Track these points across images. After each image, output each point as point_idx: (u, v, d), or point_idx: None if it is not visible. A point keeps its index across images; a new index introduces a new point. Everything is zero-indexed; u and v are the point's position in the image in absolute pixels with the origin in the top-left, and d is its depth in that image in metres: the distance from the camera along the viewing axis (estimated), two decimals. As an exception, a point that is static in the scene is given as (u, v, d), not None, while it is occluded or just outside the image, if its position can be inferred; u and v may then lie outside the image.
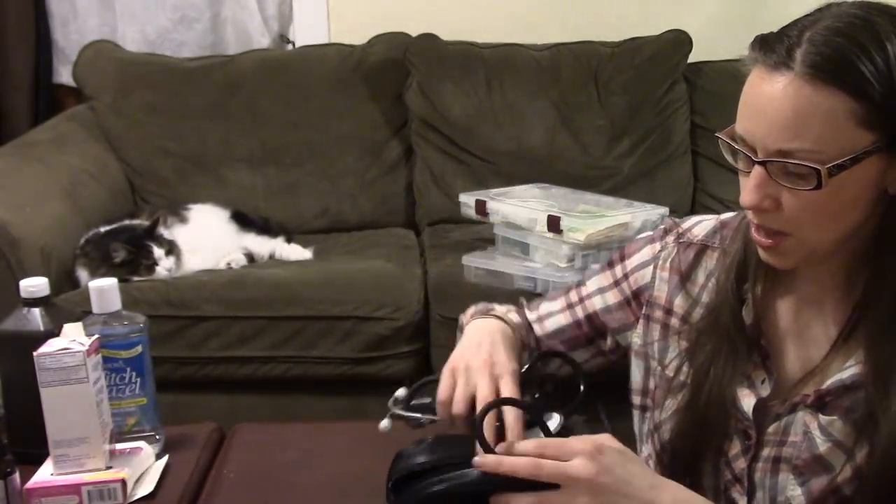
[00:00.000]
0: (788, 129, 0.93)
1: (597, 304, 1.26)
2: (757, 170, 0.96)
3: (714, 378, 1.08)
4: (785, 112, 0.93)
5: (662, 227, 1.23)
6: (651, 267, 1.20)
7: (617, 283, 1.24)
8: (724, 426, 1.08)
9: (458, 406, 1.10)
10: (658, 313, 1.19)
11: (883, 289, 1.00)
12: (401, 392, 1.15)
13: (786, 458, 1.04)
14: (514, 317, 1.31)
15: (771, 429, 1.05)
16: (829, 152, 0.92)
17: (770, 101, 0.94)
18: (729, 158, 1.02)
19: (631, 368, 1.23)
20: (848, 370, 1.01)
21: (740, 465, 1.07)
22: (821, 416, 1.02)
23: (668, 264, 1.18)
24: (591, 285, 1.27)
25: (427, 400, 1.14)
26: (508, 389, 1.09)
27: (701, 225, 1.19)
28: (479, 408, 1.06)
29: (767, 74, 0.95)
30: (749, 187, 0.96)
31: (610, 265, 1.26)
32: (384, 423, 1.14)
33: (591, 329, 1.26)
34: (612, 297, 1.25)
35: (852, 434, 1.00)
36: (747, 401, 1.06)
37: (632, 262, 1.23)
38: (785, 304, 1.09)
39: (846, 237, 0.99)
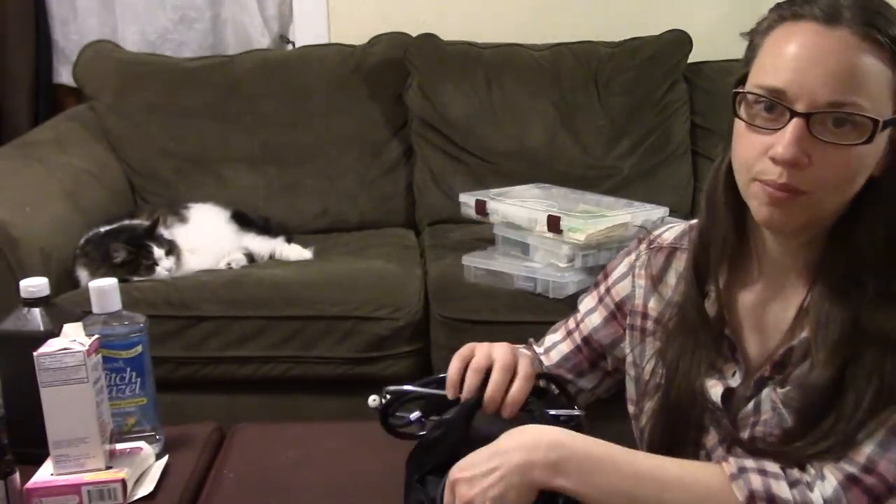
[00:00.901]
0: (847, 83, 0.93)
1: (589, 325, 1.28)
2: (797, 123, 0.95)
3: (682, 372, 1.09)
4: (845, 65, 0.93)
5: (637, 238, 1.25)
6: (629, 277, 1.22)
7: (601, 300, 1.26)
8: (697, 419, 1.09)
9: (479, 362, 1.12)
10: (639, 321, 1.20)
11: (836, 263, 1.01)
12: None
13: (759, 438, 1.05)
14: (524, 350, 1.32)
15: (743, 412, 1.07)
16: (874, 111, 0.94)
17: (828, 53, 0.94)
18: (743, 115, 1.00)
19: (626, 380, 1.24)
20: (799, 337, 1.03)
21: (720, 454, 1.08)
22: (778, 390, 1.03)
23: (642, 271, 1.20)
24: (583, 308, 1.30)
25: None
26: (524, 367, 1.13)
27: (671, 230, 1.21)
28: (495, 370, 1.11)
29: (819, 27, 0.95)
30: (788, 141, 0.94)
31: (596, 285, 1.29)
32: (373, 399, 1.16)
33: (591, 352, 1.28)
34: (598, 316, 1.27)
35: (800, 395, 1.01)
36: (715, 390, 1.08)
37: (612, 277, 1.25)
38: (748, 293, 1.10)
39: (841, 209, 1.00)
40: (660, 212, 2.33)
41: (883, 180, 0.99)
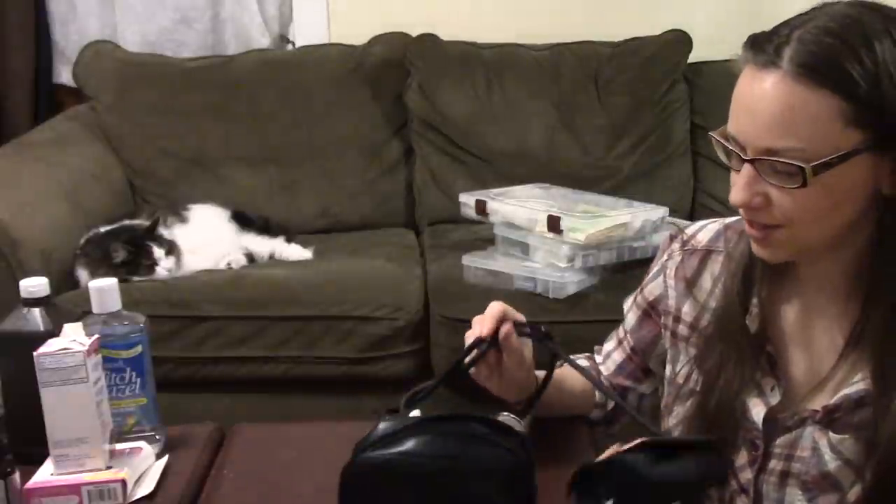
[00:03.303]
0: (776, 128, 0.93)
1: (628, 327, 1.26)
2: (746, 168, 0.96)
3: (722, 387, 1.07)
4: (773, 110, 0.93)
5: (668, 234, 1.23)
6: (661, 277, 1.20)
7: (635, 300, 1.25)
8: (732, 435, 1.07)
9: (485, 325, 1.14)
10: (671, 322, 1.19)
11: (882, 296, 0.99)
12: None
13: (794, 474, 1.04)
14: (580, 362, 1.31)
15: (779, 441, 1.05)
16: (817, 151, 0.93)
17: (759, 99, 0.94)
18: (722, 157, 1.02)
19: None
20: (855, 385, 1.00)
21: (746, 475, 1.07)
22: (831, 434, 1.01)
23: (674, 272, 1.18)
24: (625, 311, 1.28)
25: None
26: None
27: (706, 230, 1.19)
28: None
29: (757, 73, 0.95)
30: (739, 185, 0.97)
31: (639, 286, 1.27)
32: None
33: (641, 358, 1.26)
34: (633, 316, 1.25)
35: (862, 452, 0.99)
36: (757, 410, 1.06)
37: (647, 277, 1.24)
38: (791, 311, 1.08)
39: (839, 235, 0.99)
40: (660, 212, 2.33)
41: None
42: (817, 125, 0.93)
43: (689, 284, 1.16)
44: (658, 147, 2.88)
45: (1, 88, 3.06)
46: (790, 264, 1.07)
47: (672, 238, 1.21)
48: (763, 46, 0.96)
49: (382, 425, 1.03)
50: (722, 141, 1.00)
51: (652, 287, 1.22)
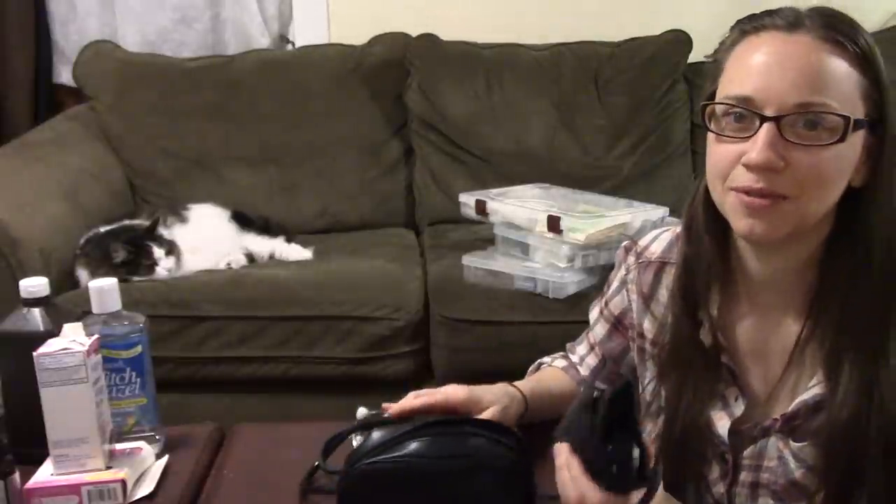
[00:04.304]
0: (814, 83, 0.94)
1: (597, 337, 1.27)
2: (767, 128, 0.94)
3: (685, 409, 1.06)
4: (809, 67, 0.94)
5: (623, 245, 1.21)
6: (623, 292, 1.20)
7: (602, 312, 1.25)
8: (702, 452, 1.07)
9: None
10: (636, 338, 1.18)
11: (831, 294, 0.99)
12: None
13: (763, 484, 1.04)
14: (559, 362, 1.33)
15: (746, 453, 1.05)
16: (844, 110, 0.94)
17: (793, 56, 0.95)
18: (711, 127, 1.00)
19: None
20: (811, 390, 1.00)
21: (719, 489, 1.07)
22: (792, 443, 1.01)
23: (633, 286, 1.18)
24: (591, 320, 1.28)
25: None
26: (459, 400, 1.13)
27: (658, 240, 1.18)
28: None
29: (781, 34, 0.96)
30: (760, 146, 0.94)
31: (601, 295, 1.26)
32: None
33: (615, 365, 1.26)
34: (602, 328, 1.25)
35: (821, 457, 0.99)
36: (722, 423, 1.06)
37: (609, 291, 1.23)
38: (745, 318, 1.07)
39: (822, 220, 0.99)
40: (660, 212, 2.33)
41: (869, 190, 0.98)
42: (844, 86, 0.94)
43: (647, 299, 1.16)
44: (658, 147, 2.88)
45: (1, 88, 3.06)
46: (740, 269, 1.06)
47: (627, 250, 1.20)
48: (778, 12, 0.98)
49: (376, 434, 1.04)
50: (731, 103, 0.97)
51: (617, 301, 1.21)
